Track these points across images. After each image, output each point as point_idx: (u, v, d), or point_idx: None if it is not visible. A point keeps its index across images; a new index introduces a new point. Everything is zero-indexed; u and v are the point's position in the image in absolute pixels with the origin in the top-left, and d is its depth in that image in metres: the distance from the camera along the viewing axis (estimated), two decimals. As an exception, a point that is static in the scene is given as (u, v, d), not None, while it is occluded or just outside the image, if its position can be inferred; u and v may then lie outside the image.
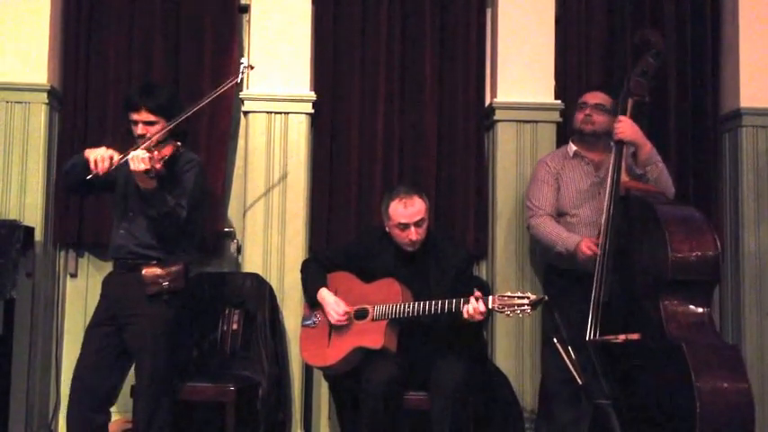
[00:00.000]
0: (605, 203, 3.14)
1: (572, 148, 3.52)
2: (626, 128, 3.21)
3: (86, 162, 2.94)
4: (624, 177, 3.19)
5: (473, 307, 2.96)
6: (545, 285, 3.64)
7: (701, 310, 2.88)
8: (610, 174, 3.19)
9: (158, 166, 2.92)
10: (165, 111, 3.07)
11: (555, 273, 3.46)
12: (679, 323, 2.84)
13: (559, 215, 3.45)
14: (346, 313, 3.18)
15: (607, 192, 3.15)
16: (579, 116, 3.49)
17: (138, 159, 2.87)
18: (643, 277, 2.98)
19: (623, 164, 3.20)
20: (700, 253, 2.87)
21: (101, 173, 2.92)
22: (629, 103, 3.25)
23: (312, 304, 3.30)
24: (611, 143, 3.24)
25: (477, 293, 2.99)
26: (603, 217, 3.11)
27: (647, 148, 3.29)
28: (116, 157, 2.94)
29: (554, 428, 3.43)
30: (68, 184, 3.16)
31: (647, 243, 2.98)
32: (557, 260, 3.40)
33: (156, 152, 2.93)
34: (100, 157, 2.92)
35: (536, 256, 3.79)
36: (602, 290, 3.01)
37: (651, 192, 3.20)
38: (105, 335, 3.06)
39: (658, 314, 2.85)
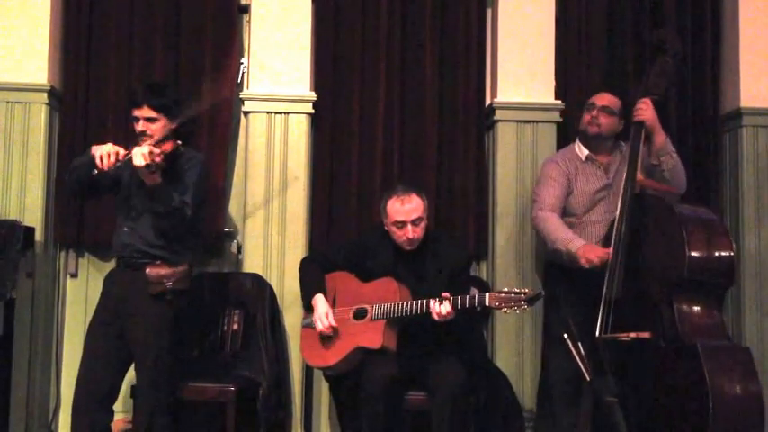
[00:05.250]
0: (620, 197, 3.14)
1: (583, 151, 3.49)
2: (647, 110, 3.21)
3: (92, 159, 2.95)
4: (639, 176, 3.18)
5: (435, 311, 2.99)
6: (546, 282, 3.64)
7: (713, 311, 2.91)
8: (628, 156, 3.19)
9: (158, 159, 2.92)
10: (168, 109, 3.07)
11: (559, 270, 3.44)
12: (692, 323, 2.86)
13: (566, 216, 3.44)
14: (332, 328, 3.17)
15: (623, 182, 3.15)
16: (586, 117, 3.49)
17: (139, 155, 2.87)
18: (657, 276, 2.98)
19: (639, 159, 3.19)
20: (716, 254, 2.90)
21: (106, 168, 2.92)
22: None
23: (308, 309, 3.30)
24: (632, 127, 3.25)
25: (445, 294, 3.00)
26: (617, 212, 3.11)
27: (663, 137, 3.28)
28: (121, 152, 2.94)
29: (555, 428, 3.43)
30: (73, 184, 3.12)
31: (662, 241, 2.99)
32: (556, 257, 3.38)
33: (155, 148, 2.94)
34: (105, 152, 2.92)
35: (538, 252, 3.79)
36: (613, 287, 3.01)
37: (666, 191, 3.21)
38: (108, 334, 3.06)
39: (671, 313, 2.87)
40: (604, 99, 3.48)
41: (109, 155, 2.91)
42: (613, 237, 3.09)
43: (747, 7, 3.96)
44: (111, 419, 3.09)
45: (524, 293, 2.93)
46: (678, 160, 3.33)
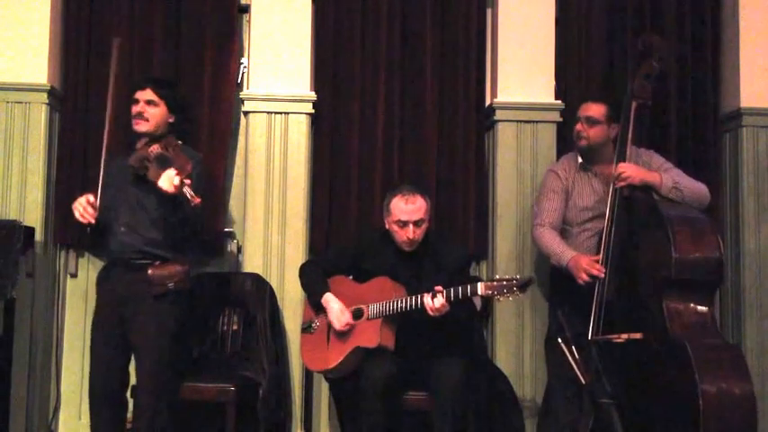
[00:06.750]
0: (608, 201, 3.15)
1: (578, 160, 3.48)
2: (629, 173, 3.15)
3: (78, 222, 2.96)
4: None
5: (428, 306, 2.99)
6: (552, 286, 3.64)
7: (703, 310, 2.91)
8: (608, 209, 3.17)
9: (188, 181, 2.88)
10: (169, 98, 3.11)
11: (560, 273, 3.42)
12: (682, 323, 2.87)
13: (564, 224, 3.44)
14: (348, 324, 3.18)
15: (608, 203, 3.16)
16: (574, 131, 3.46)
17: (168, 181, 2.86)
18: (646, 277, 2.99)
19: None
20: (703, 254, 2.90)
21: (93, 221, 2.93)
22: (633, 105, 3.24)
23: (317, 308, 3.30)
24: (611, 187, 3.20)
25: (438, 287, 2.99)
26: (606, 216, 3.12)
27: (656, 178, 3.20)
28: (92, 198, 2.94)
29: (555, 427, 3.44)
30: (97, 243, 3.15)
31: (650, 243, 2.99)
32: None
33: (183, 174, 2.89)
34: (81, 207, 2.93)
35: (538, 252, 3.79)
36: (605, 289, 3.01)
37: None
38: (111, 335, 3.07)
39: (661, 313, 2.88)
40: (588, 109, 3.42)
41: (85, 208, 2.92)
42: (603, 240, 3.10)
43: (747, 7, 3.96)
44: (126, 415, 3.14)
45: (516, 280, 2.92)
46: (678, 179, 3.24)
